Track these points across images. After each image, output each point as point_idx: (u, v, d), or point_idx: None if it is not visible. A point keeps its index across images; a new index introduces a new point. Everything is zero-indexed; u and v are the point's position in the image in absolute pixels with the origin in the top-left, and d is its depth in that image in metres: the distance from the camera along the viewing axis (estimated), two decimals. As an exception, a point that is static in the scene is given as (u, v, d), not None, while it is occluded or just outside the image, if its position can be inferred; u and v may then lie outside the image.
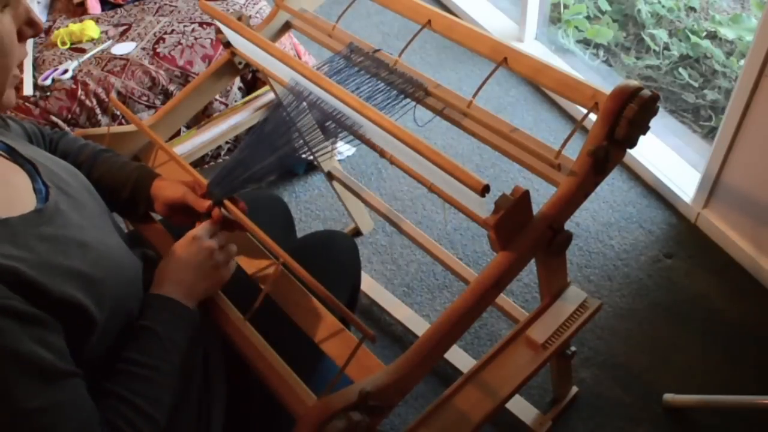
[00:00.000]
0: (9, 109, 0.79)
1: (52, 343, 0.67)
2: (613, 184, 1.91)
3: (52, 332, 0.67)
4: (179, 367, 0.81)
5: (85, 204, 0.82)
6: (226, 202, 0.94)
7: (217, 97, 1.73)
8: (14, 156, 0.80)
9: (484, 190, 0.74)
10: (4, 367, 0.62)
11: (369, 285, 1.65)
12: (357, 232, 1.84)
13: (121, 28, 1.85)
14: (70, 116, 1.63)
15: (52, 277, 0.67)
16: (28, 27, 0.73)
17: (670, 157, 1.90)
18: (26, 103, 1.61)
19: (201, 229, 0.90)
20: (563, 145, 0.86)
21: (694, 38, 2.24)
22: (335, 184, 1.59)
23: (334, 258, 1.16)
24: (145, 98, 1.69)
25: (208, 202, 0.93)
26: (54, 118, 1.62)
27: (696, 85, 2.18)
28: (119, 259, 0.80)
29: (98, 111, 1.65)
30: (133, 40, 1.79)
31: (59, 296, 0.67)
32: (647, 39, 2.31)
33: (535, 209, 0.82)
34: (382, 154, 0.97)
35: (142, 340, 0.80)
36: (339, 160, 2.02)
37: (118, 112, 1.65)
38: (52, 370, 0.66)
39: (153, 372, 0.78)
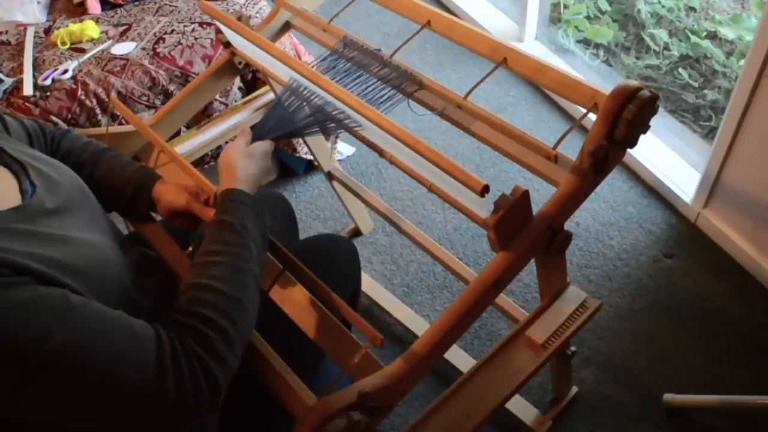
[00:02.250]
0: None
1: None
2: (613, 184, 1.91)
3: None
4: (256, 253, 0.82)
5: (75, 205, 0.81)
6: None
7: (217, 97, 1.73)
8: (2, 157, 0.79)
9: (484, 191, 0.74)
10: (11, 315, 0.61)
11: (369, 285, 1.65)
12: (357, 232, 1.84)
13: (121, 28, 1.85)
14: (70, 116, 1.63)
15: (31, 261, 0.65)
16: None
17: (670, 157, 1.90)
18: (26, 103, 1.61)
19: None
20: (560, 141, 0.86)
21: (694, 38, 2.24)
22: (335, 184, 1.59)
23: (335, 263, 1.16)
24: (145, 98, 1.69)
25: (213, 212, 0.93)
26: (54, 118, 1.62)
27: (696, 85, 2.18)
28: (103, 256, 0.78)
29: (98, 111, 1.65)
30: (133, 40, 1.79)
31: (40, 274, 0.65)
32: (647, 39, 2.31)
33: (535, 209, 0.82)
34: (381, 154, 0.97)
35: (214, 232, 0.81)
36: (339, 160, 2.02)
37: (119, 113, 1.65)
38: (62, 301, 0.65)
39: (232, 257, 0.78)
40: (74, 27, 1.80)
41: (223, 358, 0.72)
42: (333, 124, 0.98)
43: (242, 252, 0.80)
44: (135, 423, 0.69)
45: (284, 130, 1.00)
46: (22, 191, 0.76)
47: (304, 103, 1.01)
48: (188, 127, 1.61)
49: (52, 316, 0.63)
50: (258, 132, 1.00)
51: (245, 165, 0.90)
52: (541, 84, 0.92)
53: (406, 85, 1.01)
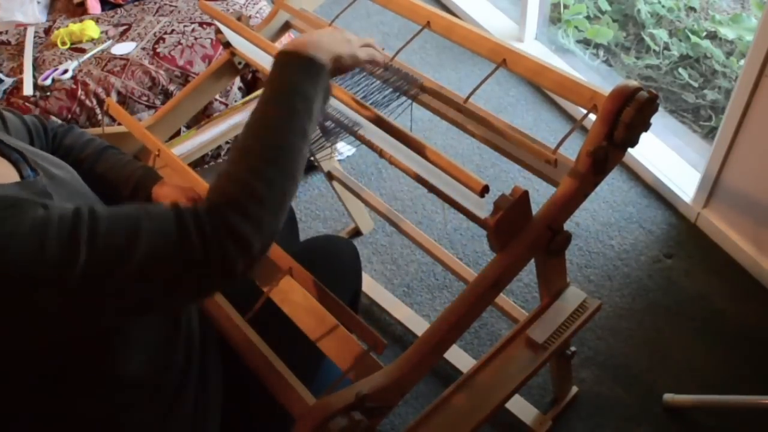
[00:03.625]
0: None
1: None
2: (613, 184, 1.91)
3: None
4: (302, 106, 0.73)
5: (74, 195, 0.80)
6: None
7: (217, 97, 1.73)
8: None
9: (484, 191, 0.74)
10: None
11: (369, 285, 1.65)
12: (357, 232, 1.84)
13: (121, 28, 1.85)
14: (70, 116, 1.63)
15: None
16: None
17: (670, 157, 1.90)
18: (26, 103, 1.61)
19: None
20: (559, 144, 0.86)
21: (694, 38, 2.24)
22: (335, 184, 1.59)
23: (336, 265, 1.16)
24: (145, 98, 1.69)
25: None
26: (54, 118, 1.62)
27: (696, 85, 2.17)
28: None
29: (98, 111, 1.65)
30: (133, 40, 1.79)
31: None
32: (647, 39, 2.31)
33: (535, 209, 0.82)
34: (381, 154, 0.97)
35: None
36: (339, 160, 2.02)
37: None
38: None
39: (262, 117, 0.72)
40: (74, 27, 1.80)
41: (255, 217, 0.67)
42: (333, 125, 0.98)
43: (277, 110, 0.73)
44: (167, 287, 0.65)
45: None
46: (22, 177, 0.74)
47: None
48: (188, 127, 1.61)
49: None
50: None
51: (300, 36, 0.82)
52: (540, 85, 0.92)
53: (408, 88, 1.01)
